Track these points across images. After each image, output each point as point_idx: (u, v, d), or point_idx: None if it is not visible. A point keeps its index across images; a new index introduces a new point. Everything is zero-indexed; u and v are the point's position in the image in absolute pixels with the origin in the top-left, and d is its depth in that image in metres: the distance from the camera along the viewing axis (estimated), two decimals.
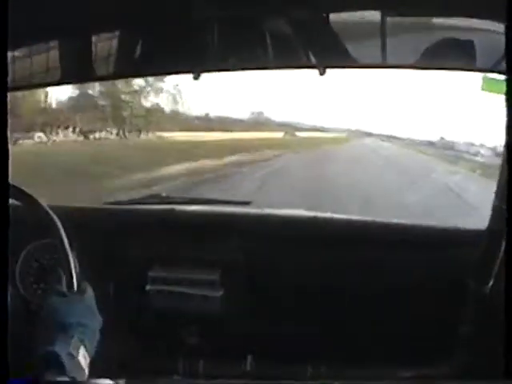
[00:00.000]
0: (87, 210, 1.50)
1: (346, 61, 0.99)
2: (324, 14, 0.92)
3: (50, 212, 0.93)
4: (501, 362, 0.55)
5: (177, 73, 1.12)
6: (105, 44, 1.06)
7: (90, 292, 0.89)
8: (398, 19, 0.94)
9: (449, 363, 1.21)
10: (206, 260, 1.36)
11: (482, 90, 0.97)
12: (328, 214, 1.46)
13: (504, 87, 0.68)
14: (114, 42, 1.06)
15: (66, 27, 0.98)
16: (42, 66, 1.09)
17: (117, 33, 1.05)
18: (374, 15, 0.91)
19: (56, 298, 0.85)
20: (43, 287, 1.19)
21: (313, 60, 0.98)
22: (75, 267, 0.88)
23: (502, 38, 0.65)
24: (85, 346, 0.80)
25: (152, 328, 1.37)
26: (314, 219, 1.41)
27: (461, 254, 1.23)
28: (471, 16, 0.88)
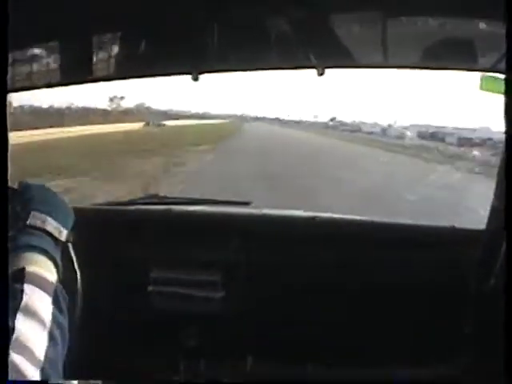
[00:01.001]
0: (86, 211, 1.50)
1: (345, 61, 0.99)
2: (324, 14, 0.92)
3: None
4: (501, 362, 0.55)
5: (177, 73, 1.12)
6: (105, 45, 1.07)
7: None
8: (398, 19, 0.94)
9: (449, 363, 1.21)
10: (207, 261, 1.36)
11: (481, 89, 0.96)
12: (327, 214, 1.46)
13: (503, 86, 0.67)
14: (115, 43, 1.06)
15: (65, 28, 0.98)
16: (42, 67, 1.09)
17: (117, 34, 1.05)
18: (375, 15, 0.91)
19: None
20: None
21: (312, 60, 0.98)
22: None
23: (502, 38, 0.65)
24: (53, 217, 0.69)
25: (153, 329, 1.37)
26: (314, 219, 1.41)
27: (461, 254, 1.23)
28: (471, 16, 0.89)
